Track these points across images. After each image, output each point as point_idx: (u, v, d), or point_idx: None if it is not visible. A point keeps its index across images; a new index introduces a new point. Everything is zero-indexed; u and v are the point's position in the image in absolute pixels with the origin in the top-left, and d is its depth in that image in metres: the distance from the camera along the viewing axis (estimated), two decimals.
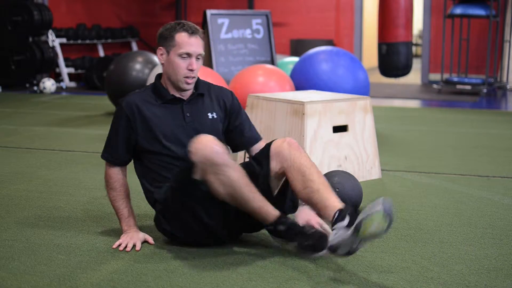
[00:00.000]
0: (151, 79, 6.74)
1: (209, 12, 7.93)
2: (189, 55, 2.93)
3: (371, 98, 4.65)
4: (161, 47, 2.98)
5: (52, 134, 6.27)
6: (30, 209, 3.57)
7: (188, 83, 2.98)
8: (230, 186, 2.67)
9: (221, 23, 8.05)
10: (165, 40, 2.96)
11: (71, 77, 11.62)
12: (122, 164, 3.06)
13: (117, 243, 2.95)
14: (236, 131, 3.14)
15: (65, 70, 11.22)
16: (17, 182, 4.24)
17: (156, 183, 2.99)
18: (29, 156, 5.14)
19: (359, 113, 4.33)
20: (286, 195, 2.96)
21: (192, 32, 2.93)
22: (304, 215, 2.86)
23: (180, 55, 2.93)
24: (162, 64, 3.01)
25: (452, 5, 10.13)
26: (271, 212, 2.76)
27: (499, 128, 6.77)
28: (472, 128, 6.78)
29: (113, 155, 3.04)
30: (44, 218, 3.41)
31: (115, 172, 3.05)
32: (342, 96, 4.52)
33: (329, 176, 3.51)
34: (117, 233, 3.10)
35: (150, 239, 3.00)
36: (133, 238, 2.96)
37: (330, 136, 4.20)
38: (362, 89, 5.88)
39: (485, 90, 9.77)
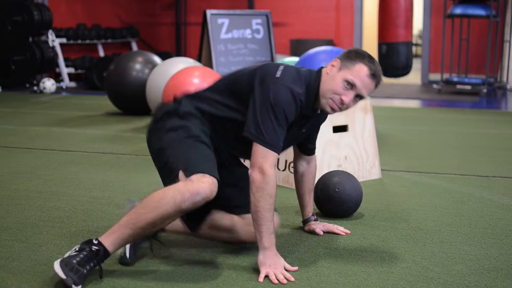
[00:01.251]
0: (150, 80, 6.75)
1: (209, 12, 7.94)
2: (353, 87, 2.67)
3: (371, 98, 4.65)
4: (338, 61, 2.73)
5: (52, 134, 6.27)
6: (30, 209, 3.57)
7: (332, 108, 2.73)
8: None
9: (221, 23, 8.05)
10: (347, 59, 2.70)
11: (71, 77, 11.63)
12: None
13: (263, 274, 2.57)
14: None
15: (65, 70, 11.23)
16: (17, 182, 4.24)
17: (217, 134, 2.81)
18: (29, 156, 5.14)
19: (359, 113, 4.33)
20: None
21: (373, 74, 2.68)
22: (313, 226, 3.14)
23: (346, 81, 2.67)
24: (327, 73, 2.73)
25: (452, 5, 10.13)
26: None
27: (499, 128, 6.77)
28: (472, 128, 6.78)
29: (279, 142, 2.65)
30: (44, 218, 3.41)
31: (274, 172, 2.64)
32: None
33: (329, 176, 3.51)
34: None
35: (291, 267, 2.67)
36: (277, 268, 2.60)
37: (330, 136, 4.20)
38: None
39: (485, 90, 9.77)
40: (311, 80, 2.74)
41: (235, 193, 2.87)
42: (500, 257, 2.85)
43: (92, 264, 2.51)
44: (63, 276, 2.42)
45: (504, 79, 10.60)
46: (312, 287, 2.51)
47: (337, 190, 3.40)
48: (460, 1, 9.97)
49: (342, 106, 2.72)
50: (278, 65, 2.76)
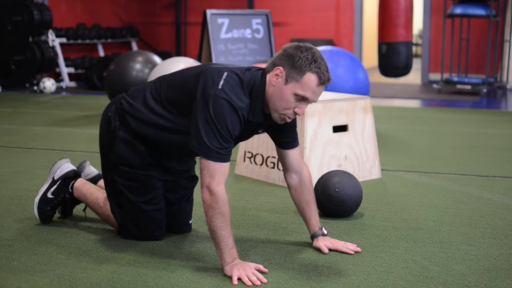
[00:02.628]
0: (151, 79, 6.74)
1: (209, 12, 7.94)
2: (304, 100, 2.63)
3: (371, 98, 4.65)
4: (282, 69, 2.61)
5: (52, 134, 6.27)
6: (30, 209, 3.56)
7: (283, 120, 2.70)
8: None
9: (221, 22, 8.05)
10: (292, 68, 2.58)
11: (71, 77, 11.62)
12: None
13: (235, 277, 2.55)
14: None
15: (65, 70, 11.23)
16: (17, 182, 4.24)
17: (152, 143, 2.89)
18: (29, 156, 5.14)
19: (359, 113, 4.33)
20: None
21: (323, 83, 2.60)
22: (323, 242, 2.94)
23: (296, 95, 2.60)
24: (272, 85, 2.63)
25: (452, 5, 10.13)
26: None
27: (499, 128, 6.77)
28: (472, 128, 6.78)
29: (225, 152, 2.61)
30: None
31: (224, 188, 2.61)
32: (342, 96, 4.52)
33: (329, 176, 3.51)
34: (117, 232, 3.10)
35: (262, 268, 2.66)
36: (246, 269, 2.58)
37: (330, 136, 4.20)
38: (362, 89, 5.88)
39: (485, 90, 9.77)
40: (255, 87, 2.67)
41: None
42: (500, 257, 2.85)
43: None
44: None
45: (504, 79, 10.60)
46: (312, 287, 2.51)
47: (337, 190, 3.40)
48: (460, 1, 9.97)
49: (296, 116, 2.70)
50: (221, 72, 2.65)
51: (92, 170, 3.53)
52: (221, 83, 2.61)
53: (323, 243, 2.92)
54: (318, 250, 2.92)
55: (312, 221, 2.97)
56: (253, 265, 2.63)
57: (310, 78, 2.58)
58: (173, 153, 2.98)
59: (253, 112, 2.68)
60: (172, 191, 3.11)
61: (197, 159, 3.00)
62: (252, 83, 2.67)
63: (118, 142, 2.91)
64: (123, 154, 2.91)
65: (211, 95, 2.58)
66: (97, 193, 3.18)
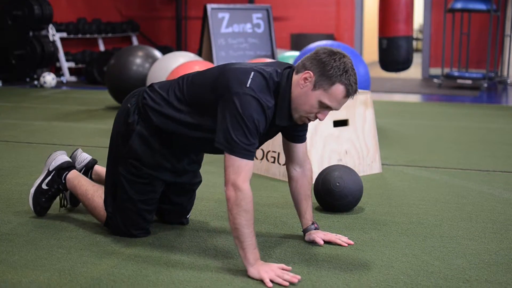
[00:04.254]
0: (151, 74, 6.74)
1: (209, 6, 7.93)
2: (328, 108, 2.64)
3: (372, 93, 4.65)
4: (312, 75, 2.59)
5: (52, 128, 6.26)
6: None
7: (302, 122, 2.72)
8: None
9: (221, 17, 8.05)
10: (322, 76, 2.57)
11: (72, 71, 11.62)
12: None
13: (268, 281, 2.47)
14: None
15: (65, 65, 11.22)
16: (17, 176, 4.24)
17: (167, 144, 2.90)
18: (30, 150, 5.14)
19: (360, 107, 4.33)
20: None
21: (350, 95, 2.61)
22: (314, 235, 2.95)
23: (321, 103, 2.61)
24: (300, 87, 2.62)
25: None
26: None
27: (500, 122, 6.77)
28: (472, 122, 6.77)
29: (251, 149, 2.58)
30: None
31: (249, 186, 2.57)
32: None
33: (329, 170, 3.51)
34: None
35: (285, 266, 2.60)
36: (274, 270, 2.53)
37: (331, 131, 4.20)
38: (363, 83, 5.88)
39: (485, 85, 9.77)
40: (280, 87, 2.66)
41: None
42: (501, 252, 2.85)
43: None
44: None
45: (505, 73, 10.59)
46: (313, 281, 2.51)
47: (337, 184, 3.40)
48: None
49: (315, 120, 2.71)
50: (248, 71, 2.64)
51: (85, 156, 3.55)
52: (249, 82, 2.59)
53: (317, 235, 2.94)
54: (312, 243, 2.94)
55: (307, 215, 2.99)
56: (277, 265, 2.58)
57: (338, 89, 2.58)
58: (189, 150, 2.98)
59: (280, 114, 2.67)
60: (177, 193, 3.12)
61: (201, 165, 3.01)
62: (276, 83, 2.66)
63: (134, 136, 2.89)
64: (137, 148, 2.90)
65: (239, 93, 2.56)
66: (87, 186, 3.19)
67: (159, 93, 2.87)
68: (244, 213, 2.52)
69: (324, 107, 2.63)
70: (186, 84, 2.82)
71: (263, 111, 2.58)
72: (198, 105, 2.76)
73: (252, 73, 2.62)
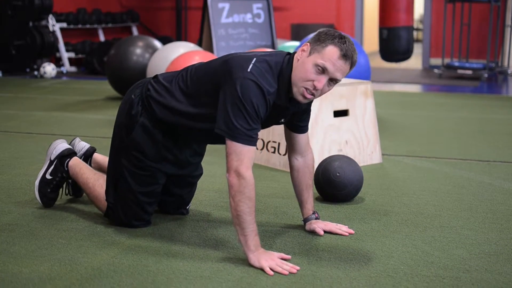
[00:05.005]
0: (151, 64, 6.73)
1: None
2: (324, 71, 2.57)
3: (372, 83, 4.64)
4: (308, 45, 2.62)
5: (52, 119, 6.26)
6: (31, 193, 3.56)
7: (303, 97, 2.63)
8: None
9: (221, 7, 8.03)
10: (317, 42, 2.59)
11: (72, 61, 11.61)
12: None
13: (268, 269, 2.49)
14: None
15: (65, 55, 11.21)
16: (17, 166, 4.24)
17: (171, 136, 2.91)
18: (30, 140, 5.14)
19: (360, 97, 4.33)
20: None
21: (344, 55, 2.56)
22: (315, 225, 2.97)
23: (316, 65, 2.57)
24: (297, 59, 2.63)
25: None
26: None
27: (500, 113, 6.76)
28: (472, 113, 6.77)
29: (253, 134, 2.58)
30: None
31: (252, 173, 2.56)
32: (343, 80, 4.50)
33: (330, 160, 3.51)
34: None
35: (285, 255, 2.63)
36: (274, 259, 2.55)
37: (331, 121, 4.19)
38: (363, 73, 5.87)
39: (486, 75, 9.76)
40: (282, 70, 2.64)
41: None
42: (501, 242, 2.86)
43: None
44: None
45: (505, 64, 10.58)
46: (313, 271, 2.51)
47: (337, 174, 3.40)
48: None
49: (316, 92, 2.62)
50: (250, 58, 2.63)
51: (83, 145, 3.55)
52: (250, 67, 2.58)
53: (317, 225, 2.95)
54: (313, 232, 2.94)
55: (308, 205, 2.99)
56: (277, 254, 2.60)
57: (332, 49, 2.56)
58: (192, 141, 2.98)
59: (279, 96, 2.66)
60: (178, 185, 3.12)
61: (204, 158, 3.01)
62: (279, 67, 2.65)
63: (137, 127, 2.89)
64: (140, 140, 2.89)
65: (239, 77, 2.55)
66: (88, 174, 3.20)
67: (163, 84, 2.86)
68: (247, 200, 2.52)
69: (320, 72, 2.58)
70: (189, 75, 2.82)
71: (263, 95, 2.57)
72: (201, 95, 2.75)
73: (254, 59, 2.62)
